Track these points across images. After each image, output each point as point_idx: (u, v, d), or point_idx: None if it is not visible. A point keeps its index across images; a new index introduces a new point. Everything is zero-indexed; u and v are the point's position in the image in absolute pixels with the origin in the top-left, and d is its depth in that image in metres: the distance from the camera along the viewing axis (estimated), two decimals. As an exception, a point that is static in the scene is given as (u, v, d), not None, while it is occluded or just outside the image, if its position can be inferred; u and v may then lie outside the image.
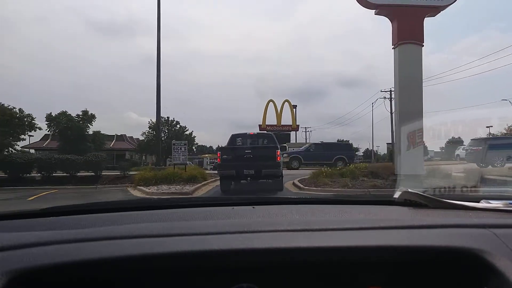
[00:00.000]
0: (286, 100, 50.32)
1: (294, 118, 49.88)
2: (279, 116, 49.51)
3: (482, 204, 1.32)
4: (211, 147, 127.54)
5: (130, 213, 1.32)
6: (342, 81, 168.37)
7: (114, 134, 60.85)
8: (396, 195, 1.42)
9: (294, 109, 50.22)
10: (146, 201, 1.86)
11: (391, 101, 52.62)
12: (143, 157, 51.49)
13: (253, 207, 1.40)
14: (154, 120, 48.48)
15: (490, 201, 1.34)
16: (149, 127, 50.22)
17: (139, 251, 0.88)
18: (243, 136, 15.38)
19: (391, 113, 53.91)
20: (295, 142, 50.65)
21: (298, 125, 52.36)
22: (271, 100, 49.67)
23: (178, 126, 50.88)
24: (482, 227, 1.02)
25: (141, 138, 51.12)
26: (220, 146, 16.73)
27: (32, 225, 1.13)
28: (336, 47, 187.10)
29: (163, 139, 48.70)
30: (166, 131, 50.91)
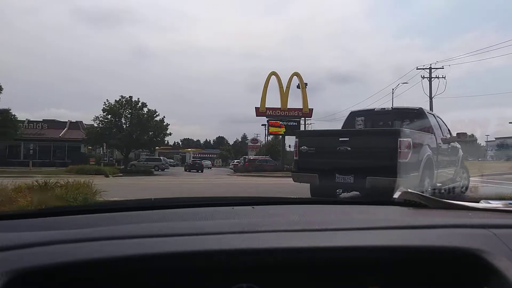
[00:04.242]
0: (296, 74, 35.91)
1: (306, 99, 35.84)
2: (284, 95, 35.18)
3: (482, 204, 1.31)
4: (198, 140, 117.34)
5: (130, 213, 1.30)
6: (336, 77, 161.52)
7: (67, 120, 47.22)
8: (396, 195, 1.41)
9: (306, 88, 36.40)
10: (146, 201, 1.65)
11: (430, 81, 39.50)
12: (102, 149, 37.65)
13: (253, 207, 1.38)
14: (112, 100, 34.97)
15: (490, 201, 1.33)
16: (103, 110, 36.28)
17: (139, 251, 0.87)
18: (369, 114, 9.38)
19: (431, 98, 40.59)
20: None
21: (312, 109, 36.45)
22: (273, 73, 35.58)
23: (145, 109, 37.04)
24: (482, 227, 1.02)
25: (96, 124, 37.14)
26: (297, 131, 9.96)
27: (32, 225, 1.12)
28: (330, 43, 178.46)
29: (124, 125, 34.70)
30: (128, 115, 36.96)
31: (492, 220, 1.11)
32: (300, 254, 0.92)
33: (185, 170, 47.23)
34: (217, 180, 22.16)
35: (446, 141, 9.03)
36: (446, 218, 1.15)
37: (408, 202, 1.36)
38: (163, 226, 1.08)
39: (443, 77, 39.14)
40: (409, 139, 6.97)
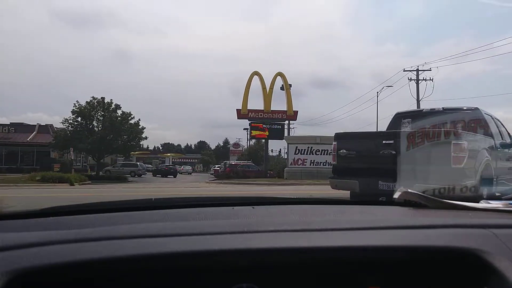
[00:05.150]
0: (279, 74, 33.65)
1: (290, 101, 33.76)
2: (267, 97, 32.94)
3: (482, 204, 1.31)
4: (179, 145, 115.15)
5: (130, 213, 1.30)
6: (317, 82, 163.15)
7: (36, 123, 44.26)
8: (396, 195, 1.39)
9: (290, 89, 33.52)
10: (146, 201, 1.61)
11: (417, 83, 38.35)
12: (69, 154, 34.88)
13: (253, 207, 1.37)
14: (82, 101, 32.50)
15: (490, 201, 1.33)
16: (73, 112, 33.66)
17: (139, 251, 0.88)
18: (416, 115, 8.45)
19: (418, 101, 39.64)
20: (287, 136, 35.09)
21: (296, 111, 33.82)
22: (256, 73, 33.39)
23: (119, 111, 34.62)
24: (482, 227, 1.02)
25: (65, 127, 34.40)
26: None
27: (32, 225, 1.12)
28: (311, 49, 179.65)
29: (96, 128, 32.33)
30: (100, 117, 34.45)
31: (492, 220, 1.11)
32: (300, 254, 0.92)
33: (154, 175, 46.00)
34: (190, 189, 19.81)
35: (506, 145, 8.14)
36: (446, 218, 1.14)
37: (408, 202, 1.36)
38: (163, 226, 1.07)
39: (430, 79, 38.19)
40: (464, 142, 6.21)
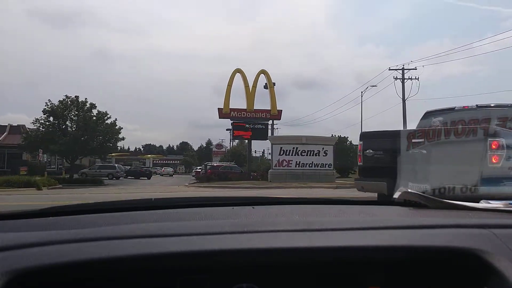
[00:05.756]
0: (263, 72, 31.43)
1: (274, 99, 31.70)
2: (250, 95, 31.09)
3: (482, 204, 1.30)
4: (161, 146, 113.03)
5: (130, 213, 1.30)
6: (300, 83, 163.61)
7: (7, 124, 41.94)
8: (396, 195, 1.40)
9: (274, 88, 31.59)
10: (146, 201, 1.63)
11: (403, 82, 37.63)
12: (41, 154, 32.78)
13: (253, 207, 1.38)
14: (54, 100, 30.65)
15: (490, 201, 1.32)
16: (44, 111, 31.73)
17: (139, 251, 0.88)
18: (448, 113, 7.97)
19: (404, 100, 38.99)
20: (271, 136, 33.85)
21: (280, 110, 32.42)
22: (238, 71, 31.26)
23: (95, 111, 32.81)
24: (482, 227, 1.02)
25: (36, 127, 32.42)
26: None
27: (32, 225, 1.12)
28: (297, 50, 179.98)
29: (70, 129, 30.49)
30: (74, 116, 32.58)
31: (492, 220, 1.10)
32: (300, 254, 0.92)
33: (125, 177, 45.58)
34: (165, 194, 18.18)
35: None
36: (446, 218, 1.14)
37: (408, 202, 1.35)
38: (163, 226, 1.07)
39: (416, 78, 37.67)
40: (501, 140, 5.77)
